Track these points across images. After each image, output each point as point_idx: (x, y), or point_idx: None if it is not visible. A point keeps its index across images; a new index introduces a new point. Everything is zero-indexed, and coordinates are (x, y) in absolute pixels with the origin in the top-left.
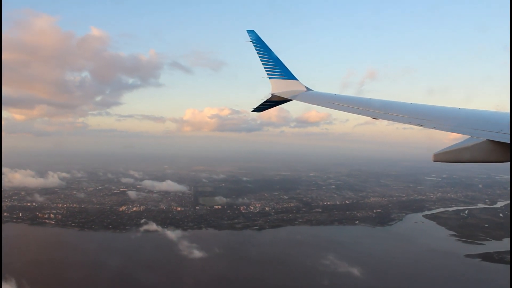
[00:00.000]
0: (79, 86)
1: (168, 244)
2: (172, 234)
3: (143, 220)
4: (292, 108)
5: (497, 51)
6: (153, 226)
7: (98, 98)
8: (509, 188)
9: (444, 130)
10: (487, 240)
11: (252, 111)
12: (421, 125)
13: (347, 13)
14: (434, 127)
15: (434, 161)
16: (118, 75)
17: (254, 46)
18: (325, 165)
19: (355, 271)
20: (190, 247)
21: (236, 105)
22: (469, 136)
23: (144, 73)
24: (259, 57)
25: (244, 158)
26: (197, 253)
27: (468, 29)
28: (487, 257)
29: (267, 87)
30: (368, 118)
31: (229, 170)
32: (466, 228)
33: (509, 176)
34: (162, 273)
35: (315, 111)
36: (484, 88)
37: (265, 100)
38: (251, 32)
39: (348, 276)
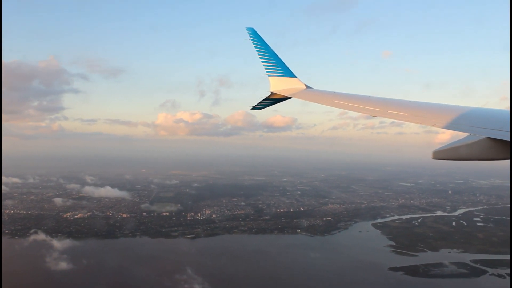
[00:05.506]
0: None
1: (41, 254)
2: (58, 243)
3: (32, 230)
4: (256, 112)
5: (494, 48)
6: (41, 236)
7: (35, 103)
8: (477, 194)
9: (444, 128)
10: (423, 251)
11: (252, 108)
12: (421, 123)
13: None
14: (434, 125)
15: (433, 158)
16: (21, 82)
17: (253, 43)
18: (304, 169)
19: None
20: (61, 259)
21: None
22: (468, 134)
23: (48, 80)
24: (258, 54)
25: (225, 162)
26: (63, 265)
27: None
28: (411, 270)
29: (169, 93)
30: (336, 123)
31: (204, 175)
32: (409, 238)
33: (486, 182)
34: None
35: (280, 116)
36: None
37: (264, 98)
38: (250, 30)
39: None
